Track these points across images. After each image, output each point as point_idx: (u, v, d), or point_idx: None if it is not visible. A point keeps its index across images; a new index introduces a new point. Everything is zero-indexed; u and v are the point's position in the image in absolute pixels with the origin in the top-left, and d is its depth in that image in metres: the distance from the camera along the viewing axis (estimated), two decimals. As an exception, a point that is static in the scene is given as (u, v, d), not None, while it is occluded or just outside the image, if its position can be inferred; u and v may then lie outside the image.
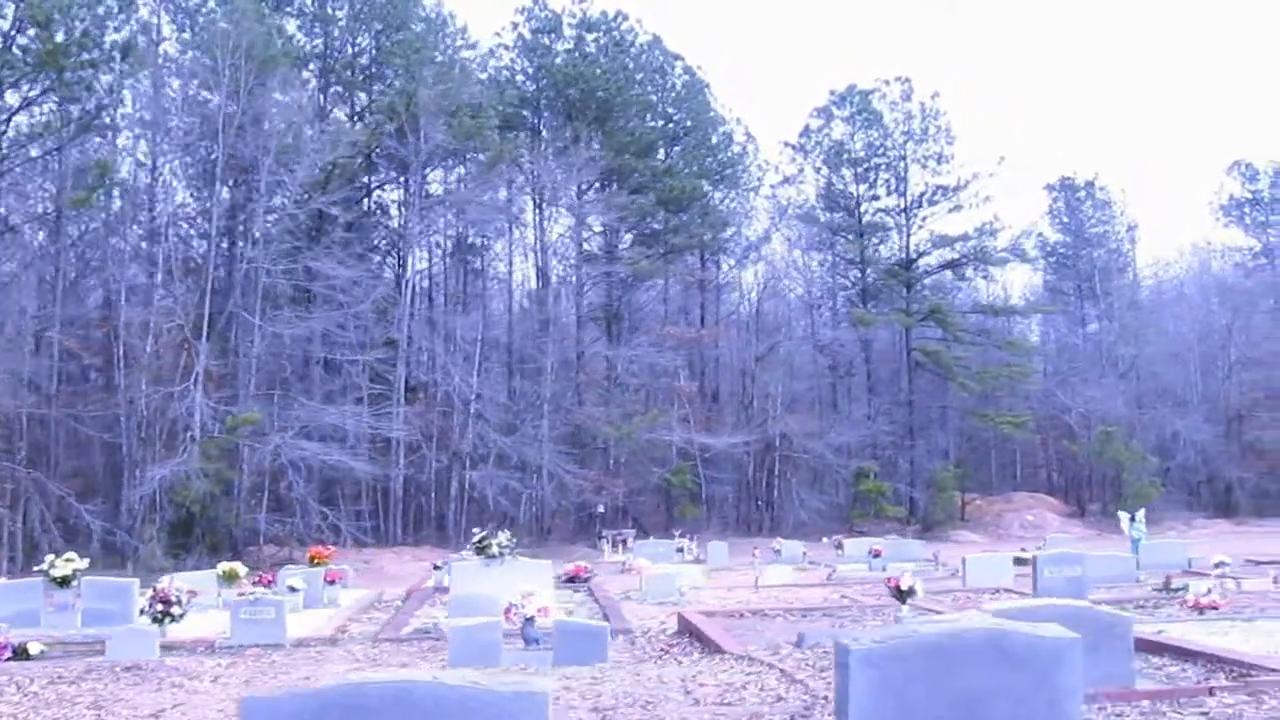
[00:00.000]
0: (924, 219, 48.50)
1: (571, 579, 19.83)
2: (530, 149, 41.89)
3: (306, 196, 34.20)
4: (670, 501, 41.90)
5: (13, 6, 28.78)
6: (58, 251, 33.67)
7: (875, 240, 49.84)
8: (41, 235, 35.20)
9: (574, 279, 43.92)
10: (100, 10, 29.24)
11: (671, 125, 47.54)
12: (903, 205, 48.42)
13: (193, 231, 37.39)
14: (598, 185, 44.54)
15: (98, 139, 34.05)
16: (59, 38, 28.15)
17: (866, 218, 49.05)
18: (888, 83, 48.15)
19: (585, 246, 44.98)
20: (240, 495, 31.00)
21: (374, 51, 40.62)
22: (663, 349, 41.85)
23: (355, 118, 41.08)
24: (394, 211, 44.21)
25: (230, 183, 35.58)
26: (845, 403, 49.05)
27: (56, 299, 32.36)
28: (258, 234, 33.38)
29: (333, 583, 18.12)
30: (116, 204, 34.67)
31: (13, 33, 29.26)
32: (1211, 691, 7.22)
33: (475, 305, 43.36)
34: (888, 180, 48.76)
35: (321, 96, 40.54)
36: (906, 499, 44.18)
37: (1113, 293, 53.26)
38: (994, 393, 48.08)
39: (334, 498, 34.24)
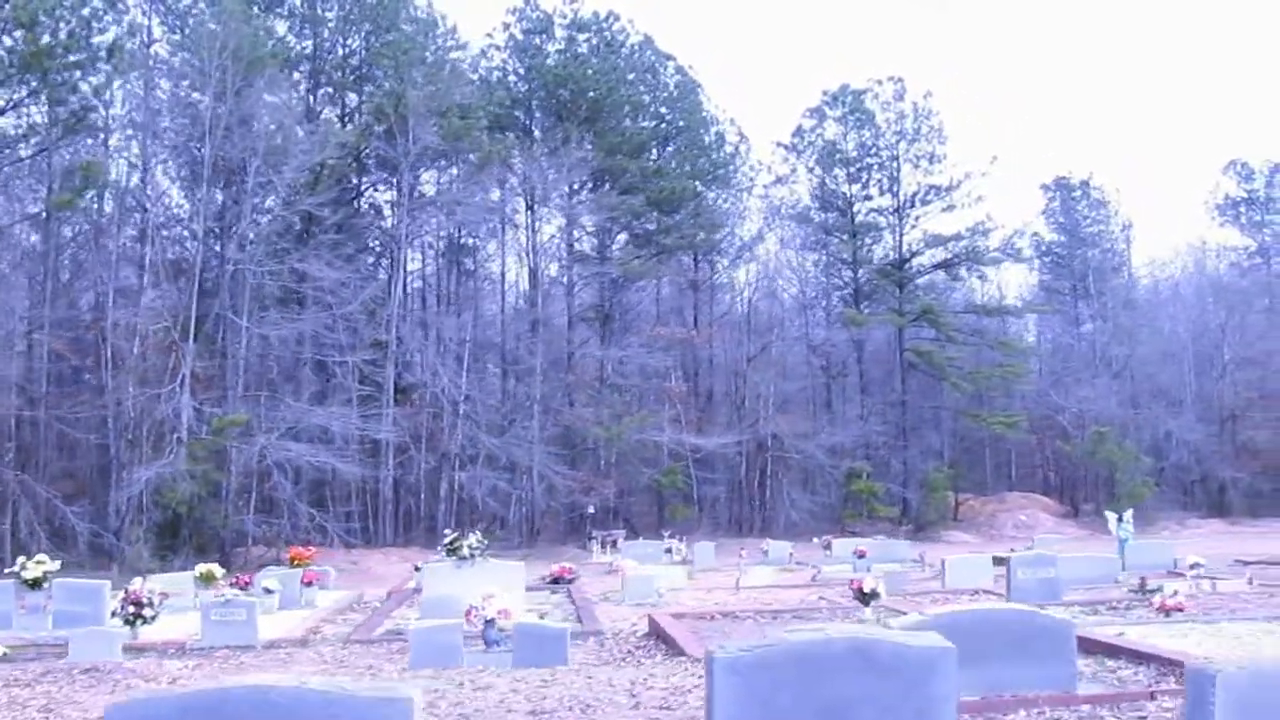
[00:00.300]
0: (917, 219, 48.57)
1: (556, 580, 19.88)
2: (522, 149, 41.83)
3: (295, 197, 34.19)
4: (662, 502, 41.91)
5: (-2, 9, 28.74)
6: (48, 253, 33.68)
7: (868, 240, 49.79)
8: (33, 237, 35.24)
9: (565, 279, 43.89)
10: (85, 12, 29.21)
11: (663, 125, 47.51)
12: (895, 205, 48.43)
13: (185, 233, 37.42)
14: (590, 186, 44.52)
15: (89, 140, 34.06)
16: (44, 39, 28.11)
17: (859, 218, 49.02)
18: (880, 82, 48.26)
19: (577, 247, 44.95)
20: (228, 497, 30.96)
21: (364, 52, 40.59)
22: (654, 350, 41.84)
23: (345, 119, 41.05)
24: (387, 212, 44.25)
25: (219, 184, 35.59)
26: (838, 403, 48.99)
27: (46, 300, 32.36)
28: (248, 235, 33.38)
29: (310, 584, 18.12)
30: (108, 206, 34.69)
31: (-2, 34, 29.23)
32: (1153, 696, 7.21)
33: (467, 306, 43.36)
34: (880, 180, 48.76)
35: (311, 97, 40.54)
36: (899, 499, 44.17)
37: (1107, 292, 53.21)
38: (987, 393, 48.11)
39: (323, 499, 34.25)
